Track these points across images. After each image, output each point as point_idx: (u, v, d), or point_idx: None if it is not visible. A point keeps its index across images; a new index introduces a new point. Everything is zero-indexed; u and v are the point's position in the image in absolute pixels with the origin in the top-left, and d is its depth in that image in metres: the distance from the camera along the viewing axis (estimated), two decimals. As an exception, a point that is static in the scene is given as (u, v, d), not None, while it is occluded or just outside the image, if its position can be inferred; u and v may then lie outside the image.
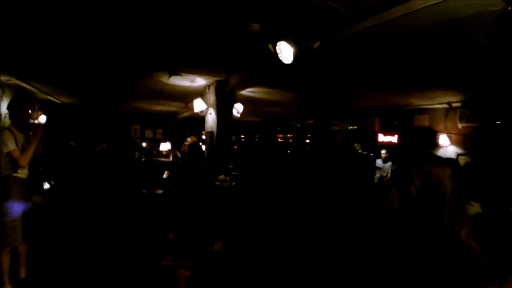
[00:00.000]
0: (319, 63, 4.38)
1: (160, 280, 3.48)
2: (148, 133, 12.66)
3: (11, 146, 3.31)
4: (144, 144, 12.17)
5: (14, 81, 7.20)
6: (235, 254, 3.43)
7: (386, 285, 2.84)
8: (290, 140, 15.10)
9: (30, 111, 3.51)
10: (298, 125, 13.41)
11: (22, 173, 3.47)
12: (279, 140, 15.68)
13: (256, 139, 15.71)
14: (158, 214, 5.44)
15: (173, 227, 4.17)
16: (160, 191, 6.64)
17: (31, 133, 3.49)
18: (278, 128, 15.78)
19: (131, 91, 8.15)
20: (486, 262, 1.90)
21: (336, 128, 11.47)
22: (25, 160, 3.38)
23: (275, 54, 3.45)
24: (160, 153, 12.27)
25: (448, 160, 3.23)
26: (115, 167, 8.23)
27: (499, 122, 5.58)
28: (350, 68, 5.05)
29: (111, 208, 6.20)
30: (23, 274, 3.54)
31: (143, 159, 10.62)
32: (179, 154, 9.84)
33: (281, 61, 3.44)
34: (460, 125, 6.37)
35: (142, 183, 7.14)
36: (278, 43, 3.34)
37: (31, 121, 3.71)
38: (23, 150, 3.40)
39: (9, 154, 3.32)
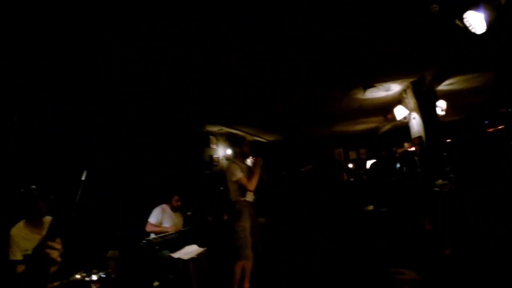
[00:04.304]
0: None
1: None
2: (352, 155, 13.00)
3: (239, 174, 3.89)
4: (350, 166, 12.59)
5: (225, 129, 8.71)
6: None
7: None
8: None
9: (250, 149, 4.24)
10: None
11: (250, 197, 3.97)
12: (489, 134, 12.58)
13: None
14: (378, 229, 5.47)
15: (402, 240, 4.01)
16: (371, 207, 6.66)
17: (251, 163, 4.18)
18: (486, 122, 12.74)
19: (330, 116, 8.68)
20: None
21: None
22: (252, 185, 3.88)
23: (466, 28, 3.08)
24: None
25: None
26: (326, 187, 8.86)
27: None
28: None
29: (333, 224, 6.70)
30: (247, 286, 3.95)
31: (351, 179, 10.94)
32: None
33: (474, 33, 3.03)
34: None
35: (355, 200, 7.37)
36: (465, 15, 3.00)
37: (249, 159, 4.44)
38: (248, 177, 3.94)
39: (237, 181, 3.88)
